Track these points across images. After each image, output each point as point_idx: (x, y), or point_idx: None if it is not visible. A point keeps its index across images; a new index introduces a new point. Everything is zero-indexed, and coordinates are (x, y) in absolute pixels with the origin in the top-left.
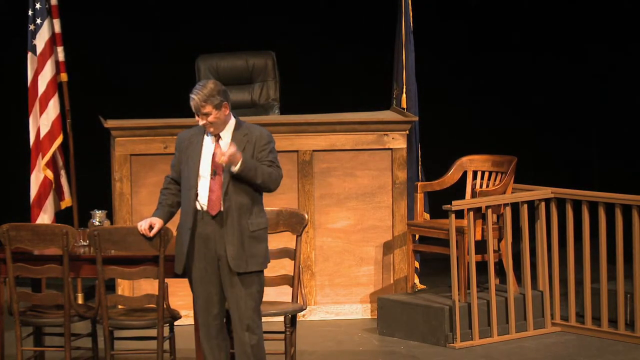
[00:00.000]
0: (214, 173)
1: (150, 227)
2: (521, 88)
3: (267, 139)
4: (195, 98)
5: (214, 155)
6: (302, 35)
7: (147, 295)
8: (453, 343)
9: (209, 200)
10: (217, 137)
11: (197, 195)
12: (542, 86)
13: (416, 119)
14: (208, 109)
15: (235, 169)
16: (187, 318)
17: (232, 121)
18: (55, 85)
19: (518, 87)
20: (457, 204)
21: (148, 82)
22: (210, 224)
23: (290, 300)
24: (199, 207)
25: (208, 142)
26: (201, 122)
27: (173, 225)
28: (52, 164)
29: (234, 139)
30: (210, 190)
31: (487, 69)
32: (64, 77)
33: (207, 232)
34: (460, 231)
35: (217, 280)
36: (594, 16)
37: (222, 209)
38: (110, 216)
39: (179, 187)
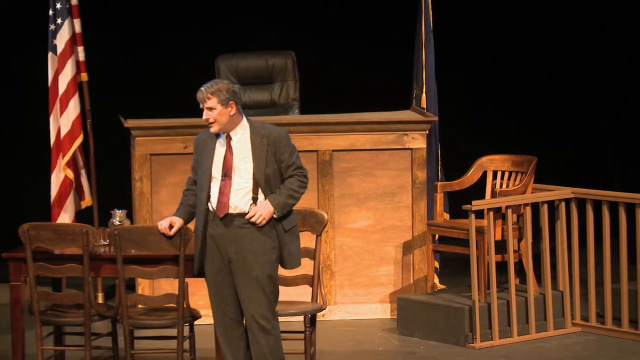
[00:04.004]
0: (224, 175)
1: (170, 227)
2: (542, 88)
3: (286, 137)
4: (202, 90)
5: (224, 156)
6: (322, 35)
7: (167, 295)
8: (473, 343)
9: (218, 202)
10: (229, 139)
11: (209, 196)
12: (564, 86)
13: (436, 118)
14: (213, 102)
15: (276, 216)
16: (207, 317)
17: (244, 122)
18: (76, 85)
19: (539, 87)
20: (477, 204)
21: (168, 82)
22: (219, 225)
23: (310, 300)
24: (210, 209)
25: (220, 143)
26: (205, 117)
27: (193, 225)
28: (72, 164)
29: (253, 141)
30: (220, 192)
31: (507, 69)
32: (84, 76)
33: (218, 233)
34: (480, 231)
35: (230, 280)
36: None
37: (229, 211)
38: (130, 216)
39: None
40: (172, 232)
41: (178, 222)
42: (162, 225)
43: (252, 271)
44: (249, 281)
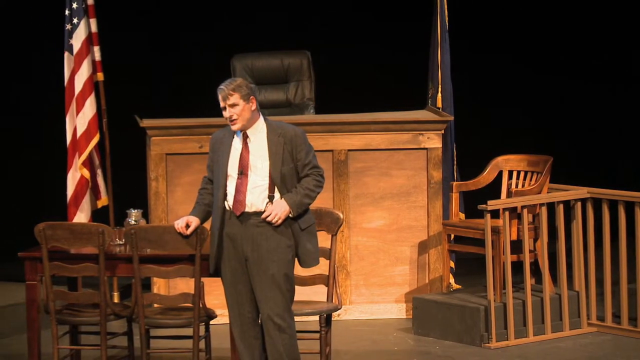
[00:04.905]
0: (240, 173)
1: (187, 226)
2: (559, 88)
3: (302, 136)
4: (223, 87)
5: (241, 154)
6: (337, 35)
7: (183, 294)
8: (488, 343)
9: (234, 200)
10: (245, 137)
11: (225, 195)
12: (579, 85)
13: (451, 118)
14: (235, 98)
15: (291, 216)
16: (222, 317)
17: (261, 121)
18: (92, 84)
19: (555, 87)
20: (492, 204)
21: (184, 82)
22: (236, 224)
23: (325, 300)
24: (226, 207)
25: (237, 141)
26: (227, 114)
27: (209, 224)
28: (88, 163)
29: (269, 140)
30: (237, 191)
31: (523, 68)
32: (100, 76)
33: (234, 232)
34: (495, 231)
35: (246, 279)
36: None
37: (245, 209)
38: (146, 215)
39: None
40: (188, 232)
41: (194, 221)
42: (179, 224)
43: (268, 270)
44: (265, 280)
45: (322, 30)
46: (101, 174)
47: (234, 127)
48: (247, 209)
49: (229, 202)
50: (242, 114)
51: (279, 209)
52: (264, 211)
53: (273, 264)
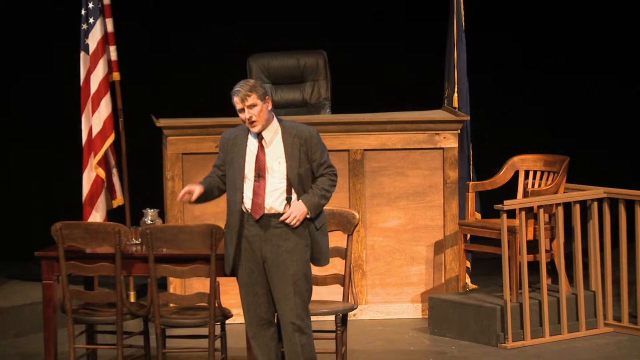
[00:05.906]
0: (257, 175)
1: (189, 194)
2: (573, 86)
3: (317, 136)
4: (240, 89)
5: (257, 157)
6: (354, 34)
7: (198, 294)
8: (504, 343)
9: (252, 204)
10: (261, 138)
11: (242, 197)
12: (596, 85)
13: (467, 118)
14: (254, 99)
15: (309, 217)
16: (238, 316)
17: (275, 121)
18: (108, 84)
19: (570, 86)
20: (508, 204)
21: (200, 81)
22: (254, 226)
23: (341, 300)
24: (244, 210)
25: (252, 143)
26: (247, 116)
27: (222, 221)
28: (104, 163)
29: (285, 141)
30: (254, 194)
31: (539, 68)
32: (116, 76)
33: (252, 234)
34: (511, 231)
35: (263, 280)
36: None
37: (265, 212)
38: (162, 215)
39: (222, 177)
40: (193, 198)
41: (198, 187)
42: (180, 193)
43: (287, 270)
44: (284, 280)
45: (339, 29)
46: (117, 173)
47: (255, 129)
48: (266, 212)
49: (247, 205)
50: (260, 115)
51: (297, 211)
52: (282, 213)
53: (292, 264)
